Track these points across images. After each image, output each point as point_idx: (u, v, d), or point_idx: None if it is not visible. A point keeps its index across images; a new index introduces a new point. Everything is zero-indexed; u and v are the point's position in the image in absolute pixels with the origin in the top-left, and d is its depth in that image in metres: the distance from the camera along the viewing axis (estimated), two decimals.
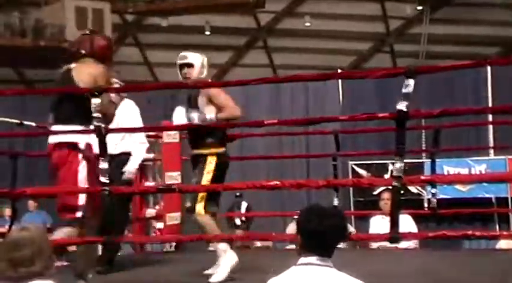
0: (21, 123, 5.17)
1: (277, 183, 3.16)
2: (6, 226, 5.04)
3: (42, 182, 4.65)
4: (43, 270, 2.18)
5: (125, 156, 4.38)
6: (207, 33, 14.27)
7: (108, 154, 3.91)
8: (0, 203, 7.76)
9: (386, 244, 4.96)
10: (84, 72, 3.41)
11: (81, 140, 3.33)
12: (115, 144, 4.26)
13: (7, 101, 7.50)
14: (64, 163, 3.29)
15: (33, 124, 5.09)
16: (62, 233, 3.31)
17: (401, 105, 2.90)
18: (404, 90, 2.91)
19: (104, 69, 3.48)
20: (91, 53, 3.51)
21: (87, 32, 3.69)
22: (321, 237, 2.19)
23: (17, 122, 5.31)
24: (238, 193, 6.86)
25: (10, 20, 13.12)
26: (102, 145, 3.25)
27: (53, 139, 3.38)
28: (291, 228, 6.99)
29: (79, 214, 3.30)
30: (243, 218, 6.80)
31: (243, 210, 7.16)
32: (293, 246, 5.70)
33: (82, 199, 3.30)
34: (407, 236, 4.09)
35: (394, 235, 2.93)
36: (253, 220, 7.02)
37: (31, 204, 8.32)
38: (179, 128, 4.65)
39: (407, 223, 5.64)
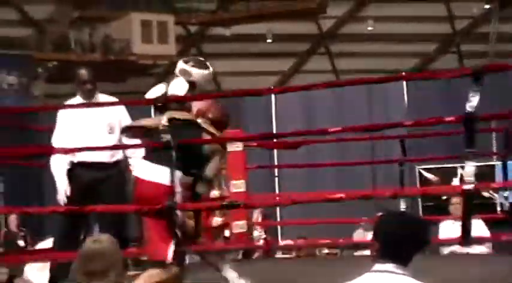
0: None
1: (342, 195, 3.11)
2: None
3: None
4: (117, 280, 2.23)
5: (118, 165, 3.92)
6: (269, 41, 14.35)
7: (100, 163, 3.79)
8: None
9: (458, 249, 4.83)
10: None
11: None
12: (110, 153, 3.85)
13: None
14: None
15: None
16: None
17: (470, 107, 2.81)
18: (472, 92, 2.82)
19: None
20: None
21: None
22: (399, 244, 2.10)
23: None
24: None
25: (81, 37, 13.64)
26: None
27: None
28: (358, 234, 6.91)
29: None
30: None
31: None
32: (361, 253, 5.65)
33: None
34: (479, 239, 3.95)
35: (466, 238, 2.85)
36: None
37: None
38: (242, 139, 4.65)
39: (479, 228, 5.46)
